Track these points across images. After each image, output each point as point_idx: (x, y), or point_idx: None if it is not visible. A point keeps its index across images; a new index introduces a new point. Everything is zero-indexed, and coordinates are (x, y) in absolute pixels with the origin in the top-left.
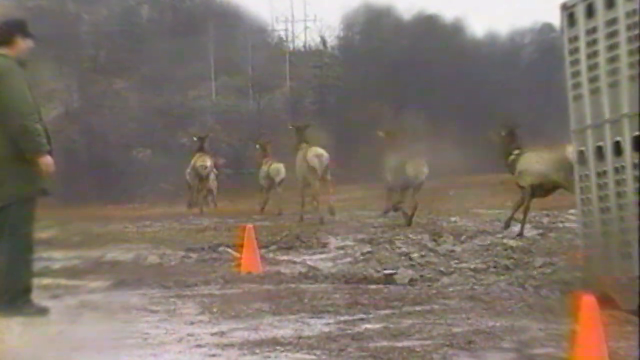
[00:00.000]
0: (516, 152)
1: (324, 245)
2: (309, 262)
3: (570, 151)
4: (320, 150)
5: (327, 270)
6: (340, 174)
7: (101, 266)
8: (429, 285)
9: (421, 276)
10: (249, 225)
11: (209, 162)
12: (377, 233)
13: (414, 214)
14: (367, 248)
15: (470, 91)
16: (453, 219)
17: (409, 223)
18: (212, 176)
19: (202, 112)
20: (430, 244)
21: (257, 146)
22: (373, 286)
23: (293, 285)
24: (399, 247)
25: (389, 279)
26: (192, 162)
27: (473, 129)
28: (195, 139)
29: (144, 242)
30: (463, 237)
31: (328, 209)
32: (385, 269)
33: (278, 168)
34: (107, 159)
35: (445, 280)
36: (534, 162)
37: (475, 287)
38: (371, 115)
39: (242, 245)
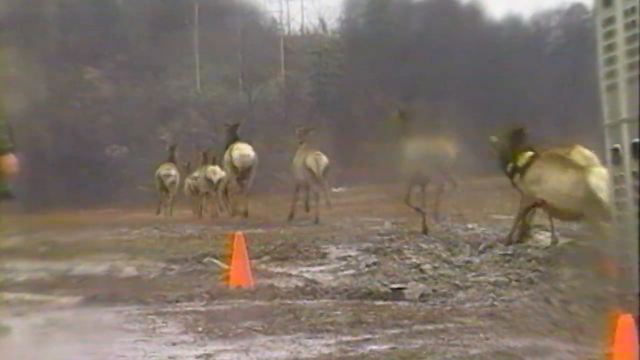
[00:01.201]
0: (529, 153)
1: (324, 255)
2: (306, 275)
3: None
4: (247, 150)
5: (327, 284)
6: (342, 175)
7: (70, 279)
8: (442, 301)
9: (434, 291)
10: (239, 233)
11: (173, 171)
12: (384, 242)
13: None
14: (373, 259)
15: (488, 82)
16: (470, 225)
17: None
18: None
19: (185, 104)
20: (445, 254)
21: (201, 154)
22: (379, 302)
23: (288, 301)
24: (409, 258)
25: (397, 294)
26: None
27: (491, 124)
28: (167, 148)
29: (119, 252)
30: (481, 247)
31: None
32: (393, 283)
33: (214, 170)
34: (78, 158)
35: (461, 295)
36: (554, 178)
37: (495, 302)
38: (377, 109)
39: (230, 256)
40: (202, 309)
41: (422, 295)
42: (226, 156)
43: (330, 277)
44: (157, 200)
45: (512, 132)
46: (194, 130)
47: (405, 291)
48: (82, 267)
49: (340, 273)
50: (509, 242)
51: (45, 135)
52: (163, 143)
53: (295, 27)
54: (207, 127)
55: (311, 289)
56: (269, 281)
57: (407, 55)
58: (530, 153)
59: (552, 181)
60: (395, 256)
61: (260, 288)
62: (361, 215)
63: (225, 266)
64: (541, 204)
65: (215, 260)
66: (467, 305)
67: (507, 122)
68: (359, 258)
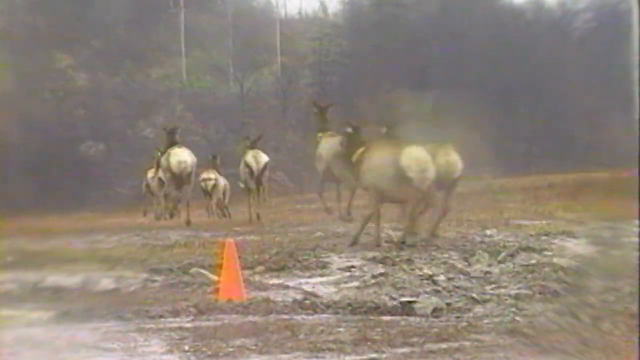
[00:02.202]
0: (361, 149)
1: (325, 265)
2: (305, 287)
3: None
4: (184, 156)
5: (328, 297)
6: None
7: (41, 292)
8: (457, 317)
9: (448, 305)
10: (229, 240)
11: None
12: (393, 250)
13: None
14: (380, 269)
15: (508, 71)
16: (489, 232)
17: None
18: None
19: (170, 96)
20: (460, 264)
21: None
22: (387, 317)
23: (285, 317)
24: (420, 268)
25: (407, 309)
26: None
27: (513, 118)
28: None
29: (95, 262)
30: (501, 256)
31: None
32: (402, 296)
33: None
34: (48, 156)
35: (479, 309)
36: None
37: (517, 318)
38: (385, 101)
39: (220, 266)
40: (189, 325)
41: (434, 310)
42: (163, 161)
43: (332, 290)
44: (146, 202)
45: (347, 134)
46: (179, 125)
47: (416, 305)
48: (54, 278)
49: (343, 285)
50: (353, 242)
51: (12, 130)
52: (144, 139)
53: (292, 9)
54: (194, 122)
55: (311, 303)
56: (263, 294)
57: (418, 41)
58: (362, 149)
59: (375, 166)
60: (405, 266)
61: (254, 302)
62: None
63: (215, 277)
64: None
65: (204, 271)
66: (486, 321)
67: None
68: (364, 268)
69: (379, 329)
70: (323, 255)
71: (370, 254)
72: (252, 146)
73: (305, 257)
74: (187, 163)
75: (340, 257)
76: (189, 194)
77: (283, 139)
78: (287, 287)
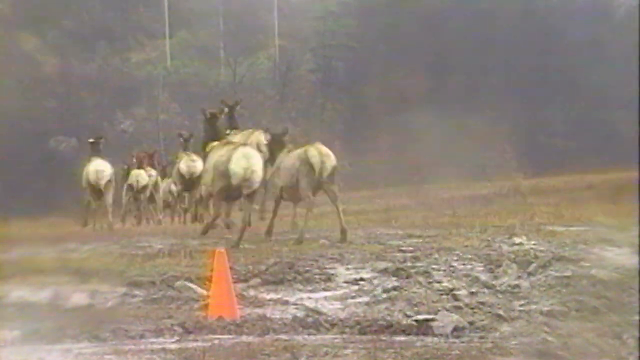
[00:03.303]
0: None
1: (329, 277)
2: (307, 303)
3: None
4: (102, 166)
5: (334, 315)
6: (354, 175)
7: (5, 309)
8: (481, 337)
9: (471, 323)
10: (220, 250)
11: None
12: (408, 260)
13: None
14: (393, 282)
15: (542, 54)
16: (517, 239)
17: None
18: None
19: (152, 84)
20: (485, 276)
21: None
22: (401, 337)
23: (284, 337)
24: (439, 281)
25: (423, 328)
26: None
27: (546, 109)
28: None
29: (66, 274)
30: (532, 267)
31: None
32: (418, 313)
33: (138, 174)
34: (13, 153)
35: (506, 328)
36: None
37: (550, 338)
38: (397, 89)
39: (210, 279)
40: (174, 346)
41: (455, 329)
42: (84, 171)
43: (337, 306)
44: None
45: (273, 137)
46: (162, 117)
47: (434, 324)
48: (19, 293)
49: (350, 300)
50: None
51: None
52: (123, 133)
53: None
54: (179, 114)
55: (313, 321)
56: (259, 311)
57: (435, 21)
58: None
59: (283, 165)
60: (422, 278)
61: (249, 320)
62: (377, 226)
63: (204, 291)
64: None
65: (191, 284)
66: (514, 341)
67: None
68: (375, 281)
69: (391, 351)
70: (327, 267)
71: (381, 265)
72: (186, 148)
73: (307, 269)
74: (104, 173)
75: (347, 269)
76: (109, 204)
77: None
78: (287, 302)
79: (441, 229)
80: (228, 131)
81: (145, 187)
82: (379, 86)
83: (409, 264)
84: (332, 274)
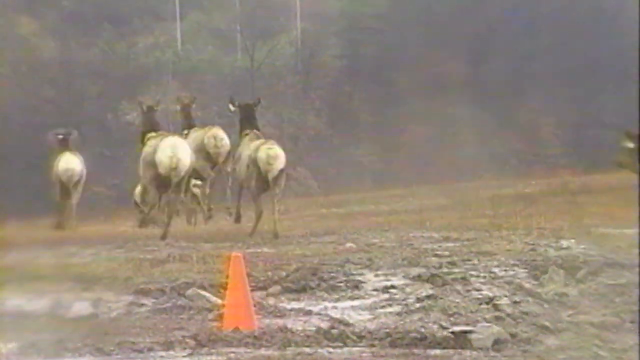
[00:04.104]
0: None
1: (357, 285)
2: (332, 313)
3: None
4: (73, 164)
5: (362, 326)
6: (384, 172)
7: (1, 317)
8: (525, 350)
9: (513, 335)
10: (237, 254)
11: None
12: (444, 265)
13: None
14: (427, 290)
15: (592, 39)
16: (565, 243)
17: None
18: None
19: (161, 71)
20: (529, 284)
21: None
22: (436, 351)
23: (308, 350)
24: (478, 289)
25: (461, 340)
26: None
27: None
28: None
29: (67, 281)
30: (581, 273)
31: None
32: (455, 324)
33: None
34: (8, 147)
35: (552, 341)
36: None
37: (601, 352)
38: (432, 77)
39: (225, 286)
40: None
41: (496, 342)
42: (54, 168)
43: (366, 316)
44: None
45: (244, 107)
46: (171, 108)
47: (473, 336)
48: (16, 301)
49: (380, 310)
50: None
51: None
52: (128, 126)
53: None
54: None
55: (339, 333)
56: (279, 322)
57: (476, 2)
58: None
59: (242, 158)
60: (459, 286)
61: (268, 332)
62: (410, 228)
63: (218, 300)
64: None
65: (204, 292)
66: (561, 355)
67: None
68: (407, 289)
69: None
70: (355, 273)
71: (414, 271)
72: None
73: (333, 275)
74: (75, 171)
75: (376, 275)
76: (76, 203)
77: (303, 125)
78: (310, 312)
79: (480, 231)
80: (186, 131)
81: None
82: (411, 73)
83: (444, 270)
84: (360, 281)
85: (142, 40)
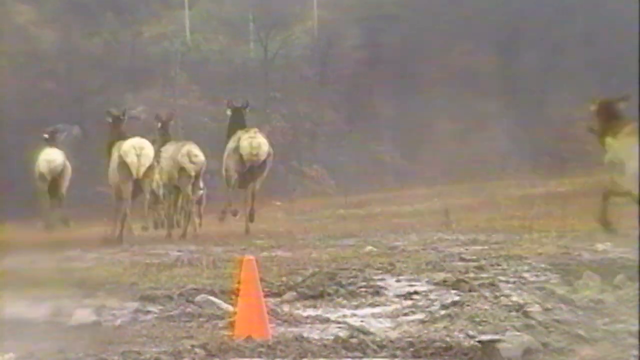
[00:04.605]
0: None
1: (378, 291)
2: (352, 321)
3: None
4: (53, 156)
5: (383, 335)
6: (407, 170)
7: None
8: None
9: (545, 345)
10: (249, 257)
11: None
12: (470, 269)
13: None
14: (453, 296)
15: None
16: (601, 246)
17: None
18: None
19: (168, 63)
20: (562, 290)
21: None
22: None
23: None
24: (508, 295)
25: (489, 350)
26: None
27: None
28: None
29: (68, 287)
30: (618, 279)
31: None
32: (483, 333)
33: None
34: (4, 145)
35: (587, 351)
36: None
37: None
38: (460, 69)
39: (237, 292)
40: None
41: (526, 352)
42: (35, 163)
43: (388, 324)
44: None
45: (234, 111)
46: (180, 102)
47: (502, 345)
48: (14, 308)
49: (403, 318)
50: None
51: None
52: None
53: None
54: (200, 98)
55: (359, 343)
56: (295, 330)
57: None
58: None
59: (227, 150)
60: (487, 292)
61: (282, 341)
62: (435, 230)
63: (230, 307)
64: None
65: (214, 299)
66: None
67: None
68: (432, 295)
69: None
70: (376, 278)
71: (439, 276)
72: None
73: (352, 280)
74: (56, 163)
75: (398, 281)
76: (62, 198)
77: (321, 121)
78: (327, 320)
79: (510, 234)
80: (162, 150)
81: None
82: (436, 65)
83: (471, 275)
84: (381, 287)
85: (148, 30)
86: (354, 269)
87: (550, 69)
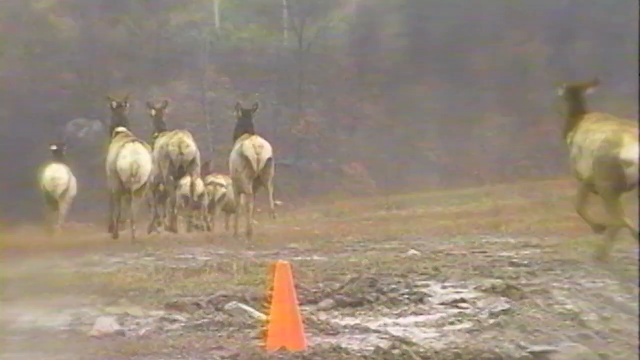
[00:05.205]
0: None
1: (422, 298)
2: (393, 331)
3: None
4: (59, 173)
5: (427, 346)
6: (454, 168)
7: (11, 337)
8: None
9: (603, 357)
10: (283, 263)
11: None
12: (521, 275)
13: None
14: (503, 304)
15: None
16: None
17: None
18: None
19: (196, 51)
20: (621, 297)
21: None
22: None
23: None
24: (562, 303)
25: None
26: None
27: None
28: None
29: (89, 293)
30: None
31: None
32: (535, 344)
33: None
34: (21, 141)
35: None
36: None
37: None
38: (511, 58)
39: (270, 299)
40: None
41: None
42: (41, 179)
43: (432, 334)
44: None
45: (244, 113)
46: (209, 95)
47: (555, 357)
48: (30, 317)
49: (449, 327)
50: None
51: None
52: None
53: None
54: (231, 90)
55: (401, 354)
56: (332, 341)
57: None
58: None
59: (233, 156)
60: (539, 300)
61: (319, 352)
62: (483, 232)
63: (262, 316)
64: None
65: (245, 307)
66: None
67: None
68: (480, 303)
69: None
70: (419, 284)
71: (488, 283)
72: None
73: (394, 287)
74: (62, 181)
75: (444, 287)
76: (64, 214)
77: (360, 115)
78: (367, 330)
79: (565, 237)
80: (156, 134)
81: (202, 196)
82: (486, 54)
83: (523, 281)
84: (425, 294)
85: (175, 18)
86: (396, 275)
87: (607, 58)
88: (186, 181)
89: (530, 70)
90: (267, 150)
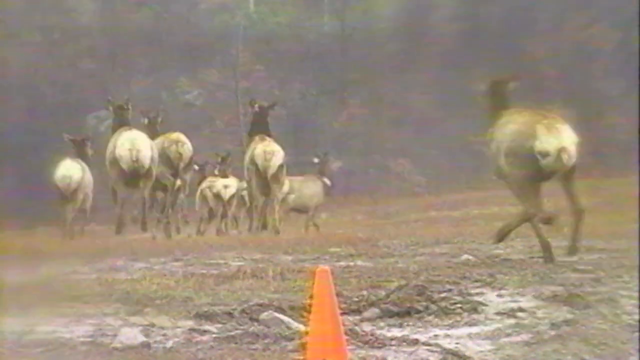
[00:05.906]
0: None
1: (476, 307)
2: (445, 343)
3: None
4: (71, 171)
5: (482, 359)
6: None
7: (29, 349)
8: None
9: None
10: (323, 268)
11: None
12: (585, 282)
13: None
14: (564, 314)
15: None
16: None
17: None
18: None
19: (228, 38)
20: None
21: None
22: None
23: None
24: (630, 313)
25: None
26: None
27: None
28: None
29: (111, 302)
30: None
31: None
32: (600, 357)
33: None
34: (38, 134)
35: None
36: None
37: None
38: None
39: (309, 308)
40: None
41: None
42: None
43: (487, 347)
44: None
45: (261, 109)
46: (242, 85)
47: None
48: (48, 327)
49: (505, 339)
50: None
51: None
52: (188, 107)
53: None
54: (265, 79)
55: None
56: (378, 353)
57: None
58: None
59: (245, 160)
60: (605, 308)
61: None
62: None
63: (301, 326)
64: None
65: (282, 316)
66: None
67: None
68: (539, 312)
69: None
70: (473, 292)
71: (548, 290)
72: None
73: (445, 295)
74: (72, 179)
75: (500, 295)
76: (87, 214)
77: (407, 106)
78: (416, 342)
79: (634, 239)
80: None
81: (232, 197)
82: (546, 41)
83: (587, 288)
84: (480, 303)
85: (205, 0)
86: (448, 282)
87: None
88: (220, 182)
89: (594, 57)
90: (277, 157)
